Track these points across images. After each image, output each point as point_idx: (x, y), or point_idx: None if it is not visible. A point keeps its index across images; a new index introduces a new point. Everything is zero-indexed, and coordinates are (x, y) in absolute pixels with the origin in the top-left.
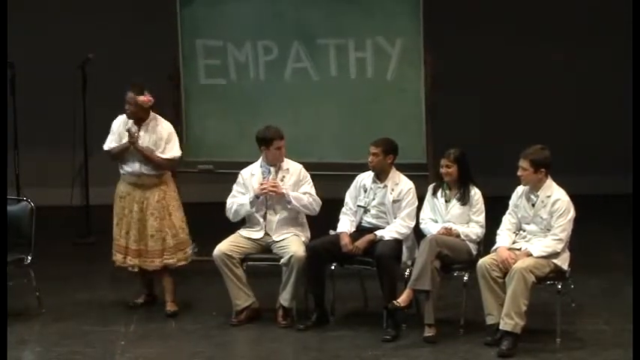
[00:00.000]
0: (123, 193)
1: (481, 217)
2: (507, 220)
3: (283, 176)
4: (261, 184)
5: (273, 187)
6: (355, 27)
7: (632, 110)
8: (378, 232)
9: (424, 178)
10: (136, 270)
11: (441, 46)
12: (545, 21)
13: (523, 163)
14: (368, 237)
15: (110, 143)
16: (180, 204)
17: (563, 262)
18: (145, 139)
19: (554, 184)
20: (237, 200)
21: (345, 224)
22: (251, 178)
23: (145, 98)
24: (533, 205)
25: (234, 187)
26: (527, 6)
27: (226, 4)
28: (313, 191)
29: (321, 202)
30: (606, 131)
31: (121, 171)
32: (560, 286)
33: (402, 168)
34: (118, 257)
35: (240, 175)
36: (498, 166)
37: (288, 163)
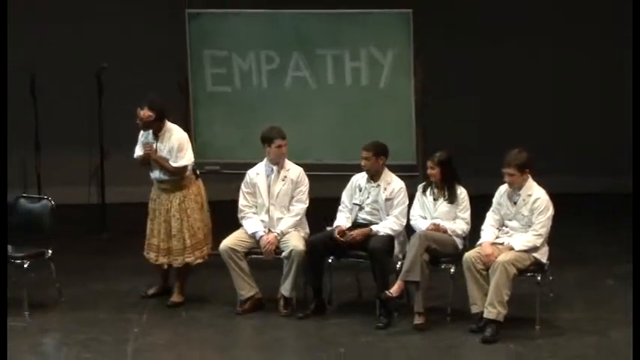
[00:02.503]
0: (154, 196)
1: (466, 214)
2: (491, 217)
3: (285, 176)
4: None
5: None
6: (350, 39)
7: (632, 110)
8: (374, 227)
9: (414, 179)
10: (165, 267)
11: (430, 55)
12: (534, 26)
13: (509, 170)
14: (364, 230)
15: (136, 152)
16: (202, 206)
17: (543, 255)
18: (161, 149)
19: (534, 183)
20: (247, 223)
21: (342, 220)
22: (256, 177)
23: (143, 113)
24: (515, 203)
25: (242, 186)
26: (513, 14)
27: (231, 18)
28: (306, 192)
29: (307, 202)
30: (590, 134)
31: (151, 177)
32: (539, 278)
33: (394, 169)
34: (151, 255)
35: (247, 175)
36: (484, 166)
37: (289, 165)
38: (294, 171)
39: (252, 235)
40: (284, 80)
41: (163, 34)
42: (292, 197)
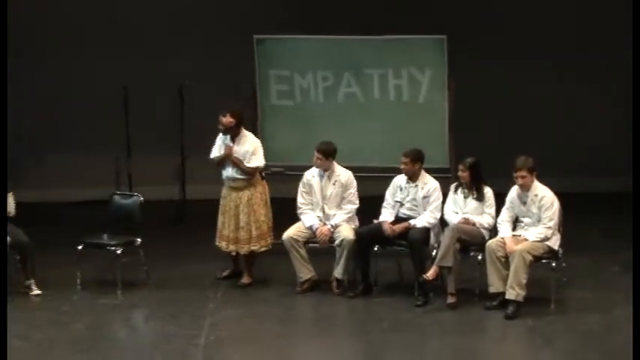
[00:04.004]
0: (224, 194)
1: (492, 210)
2: (505, 214)
3: (335, 180)
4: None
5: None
6: (394, 60)
7: (632, 111)
8: (412, 221)
9: (447, 179)
10: (234, 254)
11: (462, 73)
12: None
13: (522, 173)
14: (404, 224)
15: (214, 153)
16: (266, 203)
17: (555, 243)
18: (237, 151)
19: (539, 184)
20: (305, 217)
21: (386, 215)
22: (312, 179)
23: (225, 120)
24: (524, 203)
25: (300, 185)
26: (531, 38)
27: (293, 42)
28: (356, 194)
29: (358, 203)
30: (593, 137)
31: (222, 176)
32: (553, 264)
33: (430, 171)
34: (222, 244)
35: (304, 176)
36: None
37: (339, 170)
38: (344, 175)
39: (309, 228)
40: (337, 95)
41: (236, 56)
42: (343, 198)
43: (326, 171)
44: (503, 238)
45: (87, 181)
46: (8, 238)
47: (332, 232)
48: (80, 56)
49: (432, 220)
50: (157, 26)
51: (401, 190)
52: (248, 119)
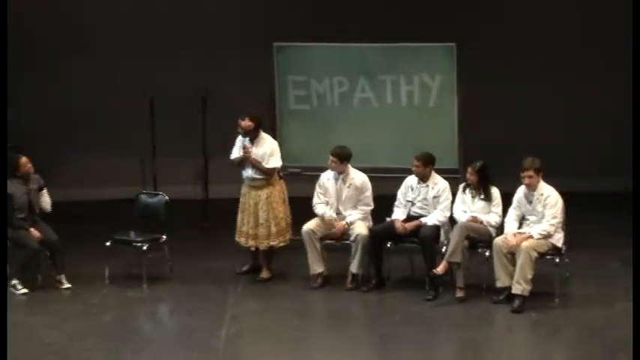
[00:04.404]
0: (244, 192)
1: (499, 209)
2: (512, 212)
3: (350, 184)
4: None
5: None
6: (406, 67)
7: (632, 111)
8: (423, 219)
9: (456, 180)
10: (253, 249)
11: (470, 79)
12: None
13: (529, 173)
14: (415, 222)
15: (233, 155)
16: (284, 201)
17: (558, 241)
18: (255, 153)
19: (544, 183)
20: (318, 208)
21: (398, 213)
22: (327, 181)
23: (244, 123)
24: (530, 202)
25: (317, 186)
26: (534, 44)
27: (310, 50)
28: (370, 197)
29: (372, 205)
30: (595, 140)
31: (242, 176)
32: (557, 260)
33: (440, 172)
34: (241, 240)
35: (320, 177)
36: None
37: (354, 173)
38: (358, 178)
39: (322, 216)
40: (352, 100)
41: (256, 63)
42: (359, 200)
43: (341, 174)
44: (506, 234)
45: (115, 181)
46: (39, 234)
47: (346, 229)
48: (110, 65)
49: (442, 219)
50: (182, 35)
51: (412, 190)
52: (267, 123)
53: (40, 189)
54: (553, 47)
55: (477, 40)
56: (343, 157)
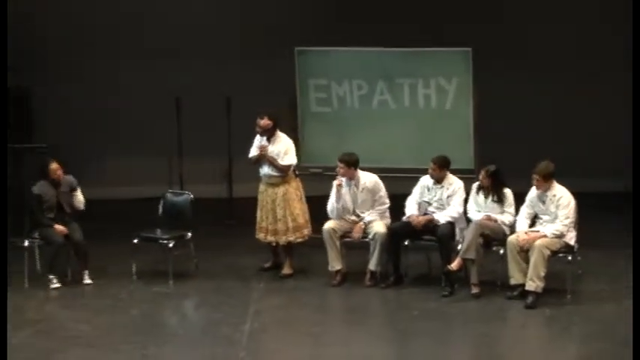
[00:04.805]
0: (262, 190)
1: (512, 209)
2: (524, 211)
3: (362, 188)
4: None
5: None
6: (423, 71)
7: (632, 111)
8: (435, 215)
9: (471, 180)
10: (273, 244)
11: (485, 82)
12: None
13: (537, 177)
14: (428, 216)
15: (252, 153)
16: (300, 198)
17: (571, 239)
18: (272, 151)
19: (557, 184)
20: (330, 205)
21: (411, 207)
22: (341, 188)
23: (263, 122)
24: (543, 202)
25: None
26: (548, 50)
27: (331, 54)
28: (385, 195)
29: (388, 202)
30: (597, 141)
31: (260, 174)
32: (570, 258)
33: (455, 172)
34: (260, 235)
35: (337, 178)
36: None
37: (364, 177)
38: (369, 181)
39: (331, 208)
40: (371, 103)
41: (278, 67)
42: (375, 201)
43: (351, 179)
44: (518, 232)
45: (142, 180)
46: (63, 229)
47: (365, 227)
48: (139, 69)
49: (455, 214)
50: (209, 38)
51: (428, 190)
52: (287, 123)
53: (73, 189)
54: (556, 53)
55: (492, 46)
56: (351, 163)
